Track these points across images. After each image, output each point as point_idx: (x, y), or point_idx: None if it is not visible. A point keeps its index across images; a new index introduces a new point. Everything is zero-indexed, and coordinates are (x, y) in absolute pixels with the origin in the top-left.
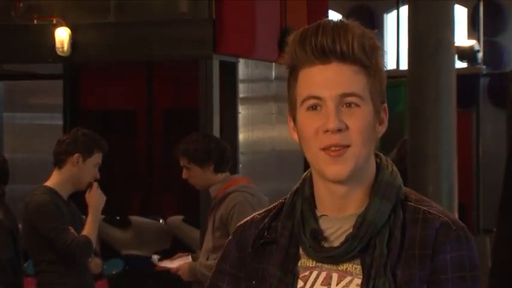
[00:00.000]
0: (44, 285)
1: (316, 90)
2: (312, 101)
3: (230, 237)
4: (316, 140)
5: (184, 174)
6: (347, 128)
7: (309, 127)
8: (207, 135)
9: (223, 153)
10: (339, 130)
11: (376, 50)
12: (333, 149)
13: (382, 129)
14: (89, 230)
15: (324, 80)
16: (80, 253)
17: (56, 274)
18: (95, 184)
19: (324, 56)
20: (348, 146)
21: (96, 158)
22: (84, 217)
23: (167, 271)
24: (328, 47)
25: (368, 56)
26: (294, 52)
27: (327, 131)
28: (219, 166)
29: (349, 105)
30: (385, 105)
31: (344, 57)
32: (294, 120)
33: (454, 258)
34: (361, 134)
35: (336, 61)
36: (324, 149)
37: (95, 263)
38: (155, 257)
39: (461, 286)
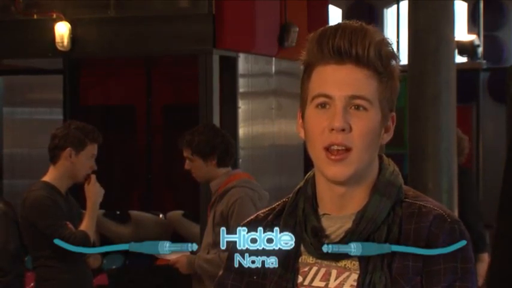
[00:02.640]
0: (43, 280)
1: (327, 89)
2: (321, 99)
3: None
4: (321, 138)
5: (186, 165)
6: (351, 129)
7: (316, 124)
8: (214, 128)
9: (227, 148)
10: (343, 130)
11: (392, 57)
12: (335, 148)
13: (387, 137)
14: (87, 224)
15: (336, 79)
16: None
17: (54, 269)
18: (93, 177)
19: (340, 57)
20: (349, 150)
21: (90, 149)
22: (83, 211)
23: (166, 264)
24: (344, 49)
25: (383, 62)
26: (311, 50)
27: (332, 129)
28: (222, 161)
29: (357, 107)
30: (393, 113)
31: (358, 61)
32: (303, 117)
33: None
34: (363, 138)
35: (350, 63)
36: (326, 149)
37: (94, 257)
38: None
39: (451, 277)
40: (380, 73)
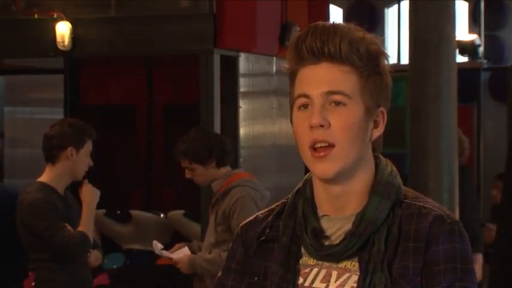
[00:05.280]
0: (42, 282)
1: (305, 89)
2: (302, 100)
3: (235, 237)
4: (305, 138)
5: (187, 174)
6: (330, 125)
7: (299, 125)
8: (205, 131)
9: (224, 148)
10: (322, 126)
11: (376, 54)
12: (318, 145)
13: (376, 133)
14: (85, 225)
15: (313, 78)
16: (78, 250)
17: (52, 271)
18: (85, 181)
19: (314, 57)
20: (332, 146)
21: (88, 146)
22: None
23: (167, 263)
24: (317, 48)
25: (362, 58)
26: (291, 55)
27: (312, 127)
28: (221, 160)
29: (337, 103)
30: (382, 109)
31: (332, 58)
32: (291, 121)
33: (446, 250)
34: (345, 133)
35: (325, 62)
36: (311, 148)
37: (95, 256)
38: (158, 245)
39: (451, 278)
40: (358, 67)
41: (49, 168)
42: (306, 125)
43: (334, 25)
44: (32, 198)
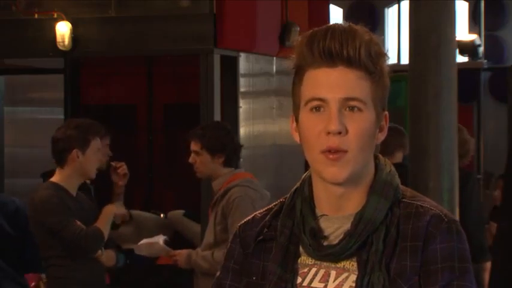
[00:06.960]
0: (54, 280)
1: (321, 92)
2: (315, 103)
3: (233, 236)
4: (318, 142)
5: (192, 158)
6: (347, 131)
7: (312, 129)
8: (226, 127)
9: (236, 149)
10: (339, 133)
11: (381, 56)
12: (332, 151)
13: (381, 136)
14: (102, 222)
15: (329, 82)
16: (89, 243)
17: (65, 268)
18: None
19: (331, 59)
20: (345, 152)
21: (95, 144)
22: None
23: (168, 261)
24: (335, 51)
25: (373, 62)
26: (301, 53)
27: (329, 132)
28: (229, 160)
29: (352, 108)
30: (386, 112)
31: (350, 62)
32: (297, 121)
33: (444, 249)
34: (359, 140)
35: (341, 65)
36: (323, 152)
37: (107, 256)
38: (163, 237)
39: (449, 276)
40: (371, 73)
41: (59, 170)
42: (319, 129)
43: (352, 27)
44: (43, 194)
